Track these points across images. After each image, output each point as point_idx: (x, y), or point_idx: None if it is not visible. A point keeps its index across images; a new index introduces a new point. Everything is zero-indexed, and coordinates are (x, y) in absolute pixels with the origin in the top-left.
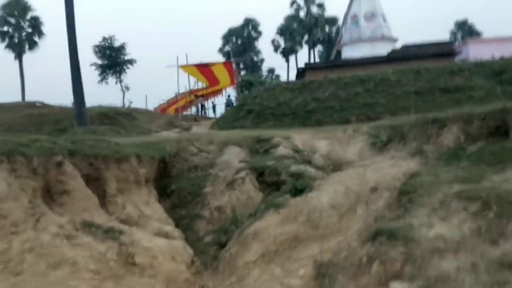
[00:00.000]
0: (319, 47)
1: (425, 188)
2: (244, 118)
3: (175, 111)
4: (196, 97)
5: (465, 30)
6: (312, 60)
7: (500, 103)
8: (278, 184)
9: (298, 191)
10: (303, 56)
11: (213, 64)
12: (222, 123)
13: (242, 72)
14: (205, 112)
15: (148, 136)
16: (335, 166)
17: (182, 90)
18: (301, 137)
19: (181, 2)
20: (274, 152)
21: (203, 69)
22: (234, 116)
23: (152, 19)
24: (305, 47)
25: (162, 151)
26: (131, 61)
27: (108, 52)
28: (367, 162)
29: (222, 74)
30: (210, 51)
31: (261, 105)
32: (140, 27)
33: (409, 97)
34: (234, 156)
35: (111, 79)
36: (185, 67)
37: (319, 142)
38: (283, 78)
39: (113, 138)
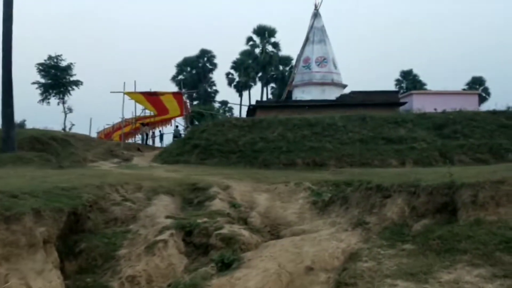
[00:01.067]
0: (272, 85)
1: (365, 281)
2: (189, 152)
3: (120, 138)
4: (142, 125)
5: (410, 79)
6: (264, 97)
7: (446, 176)
8: (208, 247)
9: (225, 265)
10: (257, 92)
11: (162, 94)
12: (166, 156)
13: (195, 102)
14: (153, 141)
15: (75, 170)
16: (273, 227)
17: (128, 116)
18: (241, 188)
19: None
20: (209, 206)
21: (151, 97)
22: (179, 150)
23: (103, 42)
24: (259, 84)
25: (76, 200)
26: (76, 82)
27: (52, 71)
28: (305, 227)
29: (171, 104)
30: (163, 79)
31: (208, 140)
32: (90, 49)
33: (355, 144)
34: (162, 208)
35: (54, 100)
36: (131, 94)
37: (259, 195)
38: (237, 111)
39: (38, 168)
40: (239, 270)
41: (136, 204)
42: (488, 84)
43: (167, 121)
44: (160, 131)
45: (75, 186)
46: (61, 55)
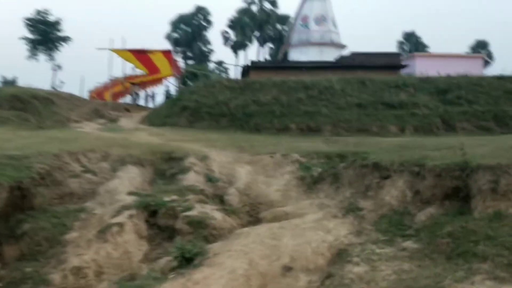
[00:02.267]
0: (270, 45)
1: None
2: (177, 114)
3: (114, 97)
4: (132, 84)
5: (412, 42)
6: (261, 58)
7: (459, 155)
8: (174, 231)
9: (185, 260)
10: (254, 52)
11: (151, 52)
12: (153, 117)
13: (189, 62)
14: (146, 101)
15: (49, 132)
16: (252, 207)
17: (118, 75)
18: (221, 159)
19: None
20: (182, 180)
21: (140, 55)
22: (167, 111)
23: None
24: (256, 43)
25: (23, 172)
26: (65, 39)
27: (40, 26)
28: (289, 209)
29: (162, 63)
30: (157, 37)
31: (197, 102)
32: (82, 5)
33: (352, 109)
34: (126, 182)
35: (43, 57)
36: (119, 51)
37: (241, 168)
38: (233, 72)
39: (13, 129)
40: (200, 269)
41: (98, 176)
42: (491, 47)
43: (158, 81)
44: (152, 91)
45: (27, 155)
46: (49, 9)
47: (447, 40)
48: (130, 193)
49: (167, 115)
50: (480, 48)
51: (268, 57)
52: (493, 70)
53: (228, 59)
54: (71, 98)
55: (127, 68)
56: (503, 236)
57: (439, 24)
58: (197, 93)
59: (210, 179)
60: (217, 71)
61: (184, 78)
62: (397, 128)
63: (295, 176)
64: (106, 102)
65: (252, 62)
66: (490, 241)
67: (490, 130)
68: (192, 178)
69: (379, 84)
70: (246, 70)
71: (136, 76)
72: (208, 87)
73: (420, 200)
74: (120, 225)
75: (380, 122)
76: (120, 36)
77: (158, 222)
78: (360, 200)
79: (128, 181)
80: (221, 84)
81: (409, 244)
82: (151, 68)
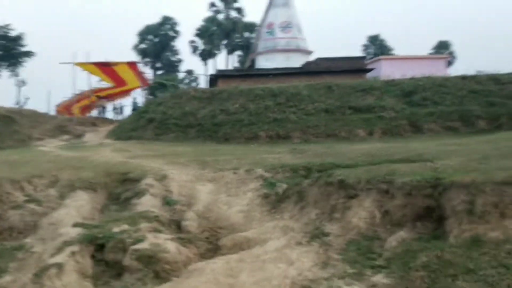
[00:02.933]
0: (238, 52)
1: None
2: (144, 127)
3: (82, 111)
4: (98, 97)
5: (377, 44)
6: (230, 65)
7: (431, 169)
8: (123, 267)
9: None
10: (223, 60)
11: (115, 64)
12: (119, 131)
13: (159, 72)
14: (115, 114)
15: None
16: (212, 232)
17: (85, 88)
18: (181, 177)
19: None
20: (137, 204)
21: (104, 68)
22: (134, 124)
23: (63, 13)
24: (224, 51)
25: None
26: (28, 53)
27: (2, 42)
28: (251, 235)
29: (128, 75)
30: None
31: (164, 113)
32: (46, 19)
33: (320, 114)
34: (73, 211)
35: (5, 72)
36: (83, 65)
37: (202, 186)
38: (203, 81)
39: None
40: None
41: (44, 205)
42: (454, 47)
43: (126, 93)
44: (120, 104)
45: None
46: (10, 24)
47: (410, 42)
48: (76, 225)
49: (133, 128)
50: (443, 48)
51: (237, 65)
52: (456, 70)
53: (198, 68)
54: (34, 115)
55: (93, 81)
56: (484, 269)
57: (402, 26)
58: (163, 104)
59: (167, 202)
60: (187, 81)
61: (153, 89)
62: (365, 132)
63: (259, 194)
64: (72, 117)
65: (219, 71)
66: (470, 275)
67: (457, 130)
68: (147, 203)
69: (346, 89)
70: (214, 79)
71: (103, 89)
72: (175, 98)
73: (390, 222)
74: (59, 265)
75: (348, 126)
76: (86, 49)
77: (106, 257)
78: (326, 223)
79: (75, 210)
80: (188, 94)
81: (379, 278)
82: (117, 80)
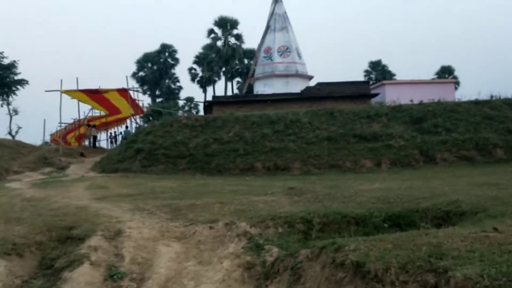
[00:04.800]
0: (238, 79)
1: None
2: (131, 158)
3: (78, 139)
4: (88, 126)
5: (379, 70)
6: (229, 92)
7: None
8: None
9: None
10: (222, 87)
11: (105, 91)
12: (105, 163)
13: (158, 100)
14: (110, 143)
15: None
16: None
17: (81, 117)
18: (141, 233)
19: (92, 25)
20: (68, 280)
21: (94, 96)
22: (121, 155)
23: (56, 41)
24: (224, 78)
25: None
26: (21, 82)
27: None
28: None
29: (120, 102)
30: (123, 76)
31: (153, 143)
32: (42, 47)
33: (322, 143)
34: None
35: None
36: (70, 92)
37: (166, 247)
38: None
39: None
40: None
41: None
42: (456, 73)
43: (121, 121)
44: (114, 132)
45: None
46: (3, 52)
47: (413, 67)
48: None
49: (120, 159)
50: (446, 73)
51: (237, 92)
52: (462, 95)
53: (198, 96)
54: (16, 146)
55: (85, 109)
56: None
57: (404, 52)
58: (153, 133)
59: (112, 275)
60: (186, 108)
61: (149, 117)
62: (372, 162)
63: (239, 263)
64: (59, 147)
65: (214, 97)
66: None
67: (473, 159)
68: (82, 277)
69: (349, 115)
70: (208, 106)
71: (97, 117)
72: (165, 127)
73: None
74: None
75: (354, 156)
76: (74, 76)
77: None
78: None
79: None
80: (179, 122)
81: None
82: (110, 108)
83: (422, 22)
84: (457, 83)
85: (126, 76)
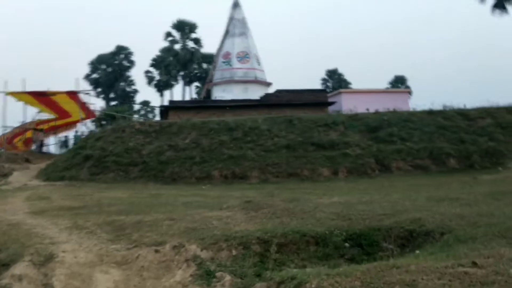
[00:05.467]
0: (197, 84)
1: None
2: (79, 165)
3: (26, 143)
4: (35, 130)
5: (335, 78)
6: (187, 97)
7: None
8: None
9: None
10: (179, 91)
11: (53, 93)
12: (51, 170)
13: (112, 103)
14: (60, 147)
15: None
16: None
17: (23, 120)
18: (77, 257)
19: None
20: None
21: (42, 98)
22: (67, 163)
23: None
24: (182, 83)
25: None
26: None
27: None
28: None
29: (70, 106)
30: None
31: (103, 149)
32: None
33: (281, 151)
34: None
35: None
36: (16, 94)
37: (104, 275)
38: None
39: None
40: None
41: None
42: (409, 82)
43: (72, 125)
44: (65, 137)
45: None
46: None
47: (367, 77)
48: None
49: (67, 166)
50: (399, 83)
51: (195, 97)
52: (415, 104)
53: (155, 100)
54: None
55: (32, 112)
56: None
57: (359, 61)
58: (103, 139)
59: None
60: (143, 112)
61: (101, 121)
62: (329, 171)
63: None
64: (1, 153)
65: (171, 102)
66: None
67: (427, 169)
68: None
69: (308, 123)
70: (164, 111)
71: (45, 121)
72: (116, 132)
73: None
74: None
75: (312, 165)
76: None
77: None
78: None
79: None
80: (132, 128)
81: None
82: (59, 111)
83: (376, 31)
84: (410, 93)
85: (77, 78)
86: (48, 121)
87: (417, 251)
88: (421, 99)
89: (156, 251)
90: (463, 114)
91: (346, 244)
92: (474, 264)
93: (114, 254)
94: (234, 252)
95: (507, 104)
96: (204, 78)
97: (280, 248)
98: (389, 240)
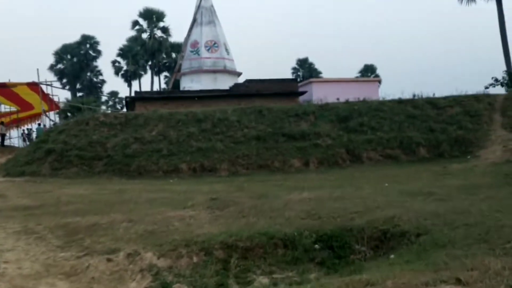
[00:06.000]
0: (166, 74)
1: None
2: (41, 160)
3: None
4: None
5: (306, 68)
6: (156, 87)
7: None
8: None
9: None
10: (148, 81)
11: (14, 85)
12: (11, 165)
13: (79, 94)
14: (24, 141)
15: None
16: None
17: None
18: (22, 268)
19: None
20: None
21: (2, 90)
22: (28, 157)
23: None
24: (150, 73)
25: None
26: None
27: None
28: None
29: (32, 97)
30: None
31: (66, 143)
32: None
33: (251, 142)
34: None
35: None
36: None
37: None
38: None
39: None
40: None
41: None
42: (378, 71)
43: (35, 117)
44: (28, 129)
45: None
46: None
47: (338, 66)
48: None
49: (28, 161)
50: (369, 72)
51: (164, 87)
52: (384, 93)
53: (122, 90)
54: None
55: None
56: None
57: (329, 50)
58: (66, 132)
59: None
60: (111, 103)
61: (67, 113)
62: (300, 162)
63: None
64: None
65: (137, 93)
66: None
67: (397, 158)
68: None
69: (278, 113)
70: (131, 102)
71: (6, 113)
72: (80, 125)
73: None
74: None
75: (282, 156)
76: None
77: None
78: None
79: None
80: (96, 120)
81: None
82: (21, 103)
83: (347, 20)
84: (379, 82)
85: (38, 69)
86: (10, 113)
87: (392, 256)
88: (391, 88)
89: (109, 260)
90: (432, 103)
91: (316, 246)
92: (458, 280)
93: (62, 264)
94: (194, 259)
95: (475, 93)
96: (173, 68)
97: (246, 252)
98: (361, 242)
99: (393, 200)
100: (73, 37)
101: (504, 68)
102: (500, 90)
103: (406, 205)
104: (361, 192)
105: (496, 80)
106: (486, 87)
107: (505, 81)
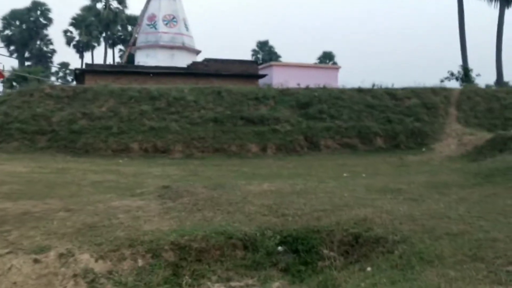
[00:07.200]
0: (120, 47)
1: None
2: None
3: None
4: None
5: (266, 51)
6: (110, 60)
7: None
8: None
9: None
10: (101, 54)
11: None
12: None
13: (27, 63)
14: None
15: None
16: None
17: None
18: None
19: None
20: None
21: None
22: None
23: None
24: (104, 45)
25: None
26: None
27: None
28: None
29: None
30: None
31: (7, 115)
32: None
33: (208, 124)
34: None
35: None
36: None
37: None
38: None
39: None
40: None
41: None
42: (336, 59)
43: None
44: None
45: None
46: None
47: (297, 50)
48: None
49: None
50: (327, 58)
51: (118, 61)
52: (343, 81)
53: (74, 62)
54: None
55: None
56: None
57: (288, 34)
58: (7, 103)
59: None
60: (61, 75)
61: (12, 83)
62: (258, 147)
63: None
64: None
65: (87, 65)
66: None
67: (355, 148)
68: None
69: (237, 96)
70: (80, 75)
71: None
72: (23, 96)
73: None
74: None
75: (240, 140)
76: None
77: None
78: None
79: None
80: (41, 92)
81: None
82: None
83: (310, 3)
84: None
85: (5, 39)
86: None
87: (369, 268)
88: (348, 77)
89: (36, 260)
90: (391, 93)
91: (280, 248)
92: None
93: None
94: (140, 263)
95: (432, 85)
96: (128, 41)
97: (200, 255)
98: (330, 246)
99: (361, 197)
100: (23, 2)
101: (461, 62)
102: (455, 84)
103: (377, 204)
104: (325, 186)
105: (452, 74)
106: (442, 81)
107: (461, 76)
